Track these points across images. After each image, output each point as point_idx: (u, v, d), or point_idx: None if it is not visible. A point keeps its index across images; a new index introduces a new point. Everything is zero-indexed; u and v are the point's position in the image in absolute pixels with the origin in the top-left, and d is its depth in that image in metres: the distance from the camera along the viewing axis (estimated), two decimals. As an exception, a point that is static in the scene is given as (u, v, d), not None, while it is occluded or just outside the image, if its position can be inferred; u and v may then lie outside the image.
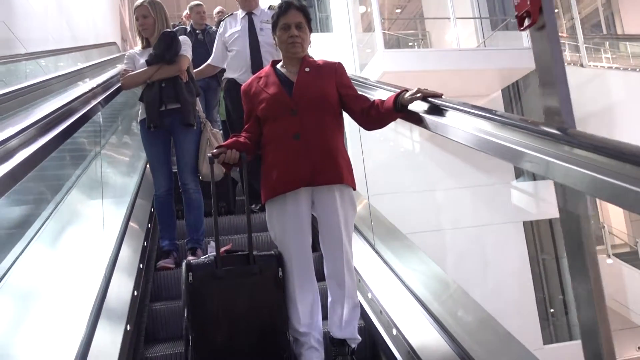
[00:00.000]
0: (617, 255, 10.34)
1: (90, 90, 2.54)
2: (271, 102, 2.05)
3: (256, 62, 3.32)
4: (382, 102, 2.03)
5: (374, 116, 2.05)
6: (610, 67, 8.85)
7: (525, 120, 1.37)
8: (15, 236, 1.88)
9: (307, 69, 2.11)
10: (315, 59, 2.21)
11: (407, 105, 1.94)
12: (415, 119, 1.93)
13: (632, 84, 7.90)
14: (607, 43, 9.94)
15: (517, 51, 8.07)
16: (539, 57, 1.52)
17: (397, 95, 1.97)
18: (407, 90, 1.97)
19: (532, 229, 9.02)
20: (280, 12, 2.10)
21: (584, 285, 1.29)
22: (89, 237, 2.33)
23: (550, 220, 8.72)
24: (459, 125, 1.65)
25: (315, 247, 2.17)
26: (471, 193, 7.36)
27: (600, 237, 10.97)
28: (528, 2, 1.41)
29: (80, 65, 4.20)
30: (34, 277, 1.89)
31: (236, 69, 3.43)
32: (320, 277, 2.10)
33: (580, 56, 8.85)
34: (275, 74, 2.13)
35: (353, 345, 2.05)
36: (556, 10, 9.76)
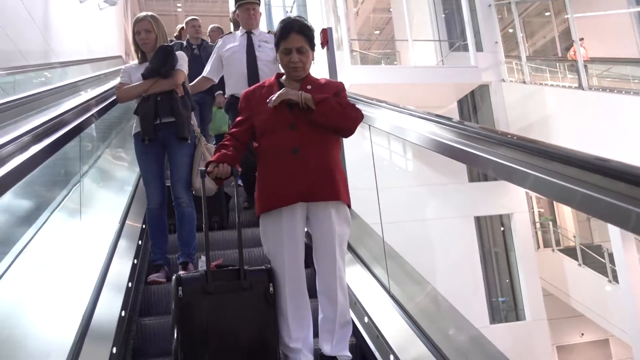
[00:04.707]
0: (563, 251, 10.59)
1: (84, 103, 2.32)
2: (272, 115, 1.88)
3: (253, 76, 3.14)
4: None
5: None
6: (545, 84, 9.43)
7: (483, 128, 1.47)
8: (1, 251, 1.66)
9: (309, 87, 1.93)
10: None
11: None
12: None
13: (561, 98, 8.56)
14: (560, 65, 10.34)
15: (467, 69, 8.54)
16: (328, 62, 3.26)
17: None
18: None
19: (486, 225, 9.23)
20: (281, 36, 1.91)
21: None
22: (78, 253, 2.09)
23: (500, 218, 9.01)
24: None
25: (308, 263, 1.98)
26: (430, 191, 7.48)
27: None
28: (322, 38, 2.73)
29: (81, 77, 4.07)
30: (17, 296, 1.66)
31: (234, 84, 3.23)
32: (313, 293, 1.92)
33: (523, 74, 9.51)
34: (278, 87, 1.94)
35: (343, 363, 1.86)
36: (521, 35, 10.06)
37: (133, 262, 2.51)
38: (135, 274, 2.42)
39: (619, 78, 9.30)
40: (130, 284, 2.28)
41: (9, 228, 1.78)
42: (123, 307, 2.07)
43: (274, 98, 1.85)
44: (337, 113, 1.85)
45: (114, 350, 1.81)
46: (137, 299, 2.36)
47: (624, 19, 9.85)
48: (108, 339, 1.81)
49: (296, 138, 1.85)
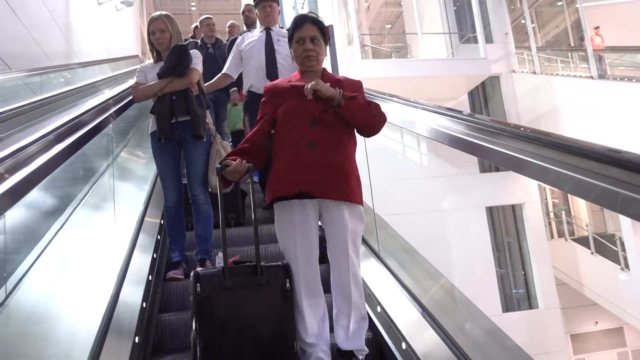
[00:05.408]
0: (576, 240, 10.46)
1: (103, 103, 2.31)
2: (296, 106, 1.84)
3: (271, 69, 3.11)
4: None
5: None
6: (556, 74, 9.29)
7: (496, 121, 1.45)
8: (26, 246, 1.67)
9: (327, 84, 1.87)
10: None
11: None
12: None
13: (571, 89, 8.47)
14: (573, 54, 10.10)
15: (477, 60, 8.46)
16: (331, 55, 4.79)
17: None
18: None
19: (498, 215, 9.12)
20: (295, 26, 1.90)
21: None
22: (99, 249, 2.10)
23: (513, 208, 8.86)
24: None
25: (323, 258, 1.95)
26: (441, 182, 7.41)
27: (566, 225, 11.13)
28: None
29: (100, 77, 4.11)
30: (43, 289, 1.66)
31: (253, 77, 3.20)
32: (328, 288, 1.89)
33: (534, 65, 9.40)
34: (305, 80, 1.90)
35: (360, 357, 1.84)
36: (532, 25, 9.85)
37: (157, 238, 2.64)
38: (159, 246, 2.57)
39: (633, 66, 9.06)
40: (155, 255, 2.48)
41: (35, 223, 1.78)
42: (150, 272, 2.18)
43: (308, 87, 1.80)
44: (364, 111, 1.84)
45: (144, 305, 1.87)
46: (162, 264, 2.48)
47: (638, 6, 9.59)
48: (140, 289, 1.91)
49: (315, 132, 1.81)
